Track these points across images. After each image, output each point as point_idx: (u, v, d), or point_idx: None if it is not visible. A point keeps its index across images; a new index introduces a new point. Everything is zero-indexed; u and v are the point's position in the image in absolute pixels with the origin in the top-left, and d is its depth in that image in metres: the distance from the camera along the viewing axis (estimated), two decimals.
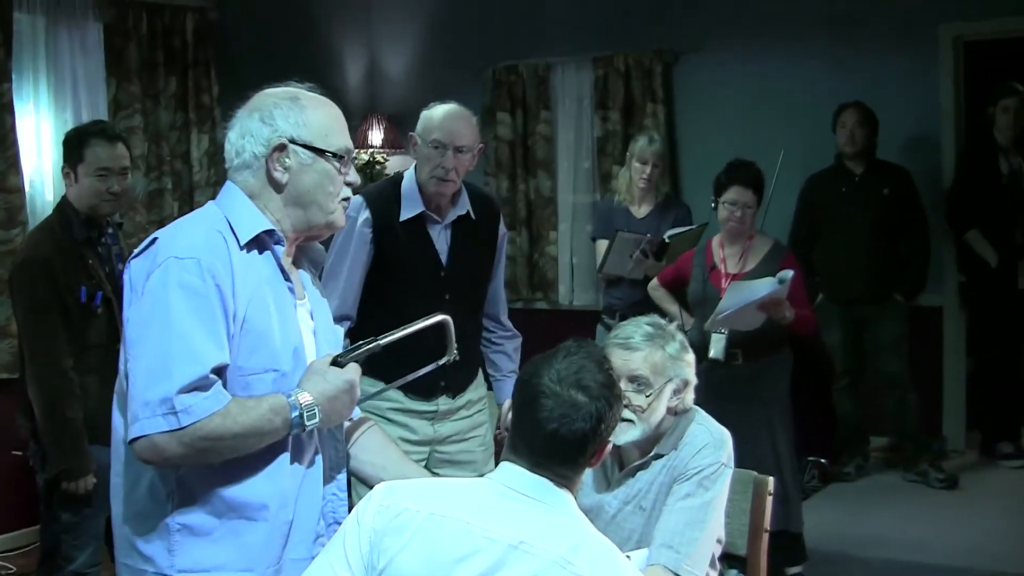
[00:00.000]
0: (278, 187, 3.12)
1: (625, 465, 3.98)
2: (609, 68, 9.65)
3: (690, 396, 3.95)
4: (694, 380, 3.97)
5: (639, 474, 3.93)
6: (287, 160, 3.10)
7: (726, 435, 3.94)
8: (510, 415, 2.88)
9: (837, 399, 8.36)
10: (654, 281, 7.01)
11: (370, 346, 3.18)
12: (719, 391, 5.80)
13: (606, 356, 2.92)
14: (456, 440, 5.17)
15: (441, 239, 5.02)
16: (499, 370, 5.42)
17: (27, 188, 7.70)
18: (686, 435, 3.90)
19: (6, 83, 7.47)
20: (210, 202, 3.19)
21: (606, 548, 2.71)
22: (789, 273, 5.85)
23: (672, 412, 3.91)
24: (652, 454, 3.91)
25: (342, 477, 3.34)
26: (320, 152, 3.14)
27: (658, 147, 7.59)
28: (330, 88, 3.32)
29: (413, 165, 5.04)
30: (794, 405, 6.39)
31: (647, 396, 3.81)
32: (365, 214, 4.92)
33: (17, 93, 7.65)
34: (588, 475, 3.99)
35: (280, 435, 2.98)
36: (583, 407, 2.73)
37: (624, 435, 3.79)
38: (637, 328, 3.91)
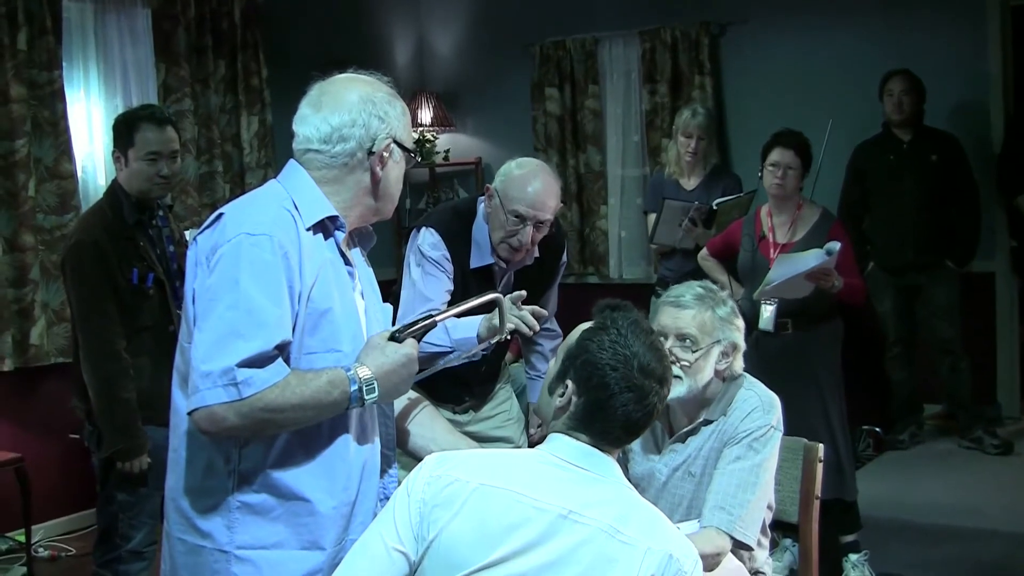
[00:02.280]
0: (374, 180, 3.15)
1: (675, 432, 4.01)
2: (656, 41, 9.62)
3: (739, 362, 3.98)
4: (743, 345, 4.00)
5: (689, 440, 3.96)
6: (386, 156, 3.14)
7: (775, 399, 3.97)
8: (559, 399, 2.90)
9: (890, 367, 8.34)
10: (703, 251, 6.98)
11: (426, 322, 3.19)
12: (770, 361, 5.88)
13: (650, 326, 2.97)
14: (482, 419, 5.16)
15: (503, 281, 4.87)
16: (535, 369, 5.40)
17: (79, 174, 7.79)
18: (735, 400, 3.93)
19: (57, 70, 7.56)
20: (273, 180, 3.20)
21: (653, 515, 2.76)
22: (836, 245, 5.81)
23: (720, 377, 3.95)
24: (701, 420, 3.95)
25: (393, 456, 3.36)
26: (406, 151, 3.21)
27: (701, 120, 7.61)
28: (379, 68, 3.32)
29: (484, 208, 4.80)
30: (846, 374, 6.37)
31: (694, 352, 3.85)
32: (446, 252, 4.74)
33: (68, 80, 7.74)
34: (637, 442, 4.04)
35: (339, 409, 2.98)
36: (658, 392, 2.86)
37: (671, 391, 3.79)
38: (688, 288, 3.97)
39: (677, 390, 3.81)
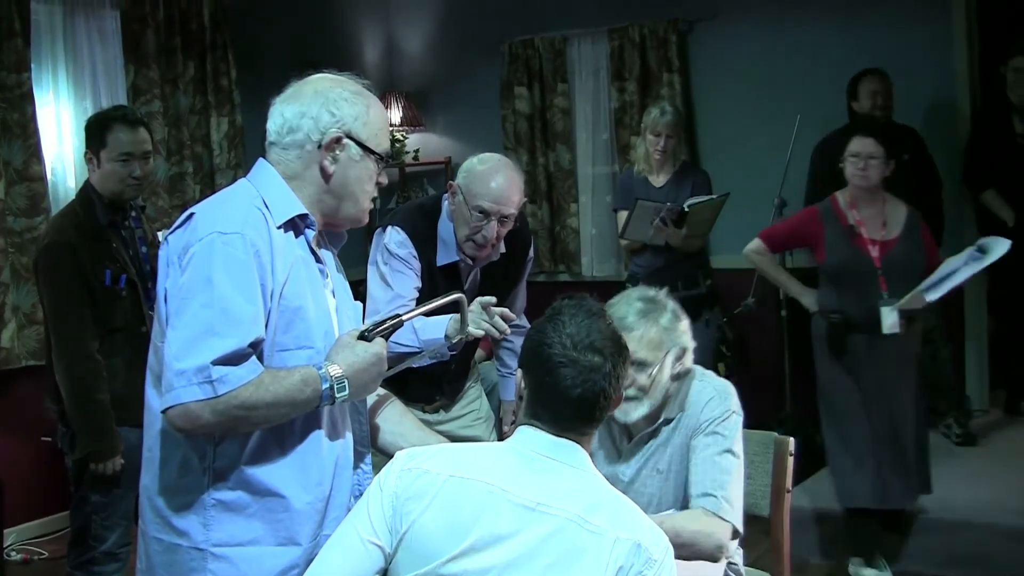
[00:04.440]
0: (324, 175, 3.16)
1: (634, 436, 4.04)
2: (624, 39, 9.64)
3: (690, 359, 3.99)
4: (691, 344, 3.98)
5: (651, 441, 4.01)
6: (339, 152, 3.15)
7: (729, 386, 4.02)
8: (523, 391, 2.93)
9: None
10: (757, 244, 6.54)
11: (394, 321, 3.21)
12: (886, 364, 6.02)
13: (603, 308, 2.99)
14: (452, 419, 5.18)
15: (470, 278, 4.91)
16: (506, 367, 5.43)
17: (49, 176, 7.78)
18: (690, 394, 3.98)
19: (25, 72, 7.54)
20: (243, 180, 3.22)
21: (622, 504, 2.81)
22: (1004, 244, 5.77)
23: (675, 378, 3.96)
24: (661, 420, 3.98)
25: (366, 451, 3.38)
26: (369, 151, 3.19)
27: (670, 118, 7.62)
28: (348, 67, 3.35)
29: (448, 205, 4.82)
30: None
31: (649, 374, 3.85)
32: (413, 250, 4.76)
33: (37, 82, 7.72)
34: (596, 445, 4.07)
35: (311, 406, 3.01)
36: (600, 367, 2.82)
37: (634, 412, 3.88)
38: (628, 306, 3.91)
39: (640, 411, 3.88)
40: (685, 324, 3.99)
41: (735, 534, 3.82)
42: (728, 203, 7.60)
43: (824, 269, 6.31)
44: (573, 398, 2.81)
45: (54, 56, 8.00)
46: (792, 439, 4.33)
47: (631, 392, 3.81)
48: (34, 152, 7.57)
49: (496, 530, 2.70)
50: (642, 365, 3.83)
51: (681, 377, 3.98)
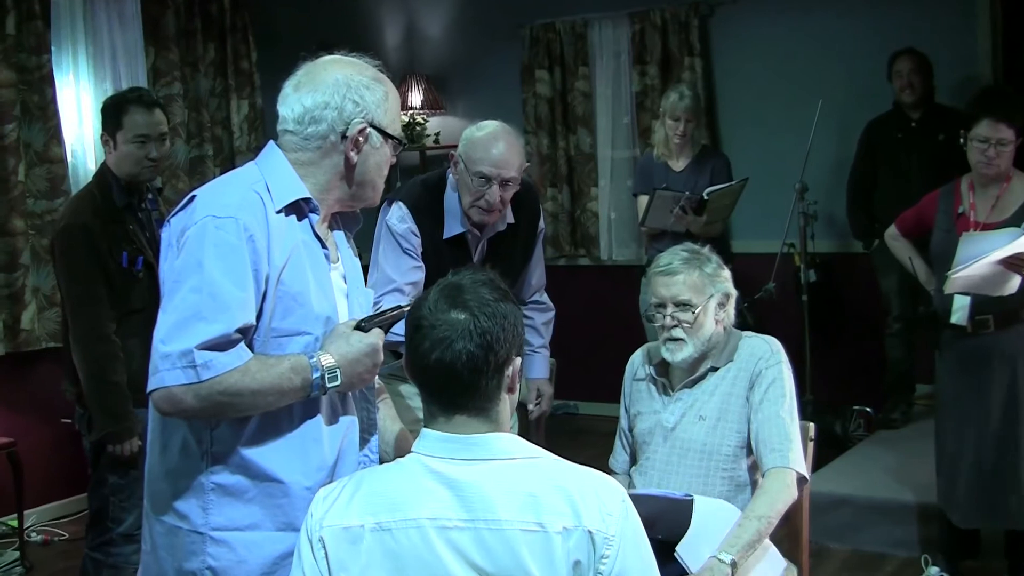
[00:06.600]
0: (347, 165, 3.13)
1: (675, 386, 4.20)
2: (645, 23, 9.61)
3: (732, 309, 4.17)
4: (734, 292, 4.19)
5: (696, 386, 4.16)
6: (362, 142, 3.12)
7: (774, 339, 4.20)
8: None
9: (889, 345, 8.24)
10: (892, 229, 6.18)
11: (394, 312, 3.19)
12: (961, 365, 5.64)
13: (494, 277, 2.73)
14: None
15: (479, 250, 4.91)
16: (528, 344, 5.32)
17: (69, 158, 7.82)
18: (739, 348, 4.16)
19: (46, 55, 7.58)
20: (251, 162, 3.20)
21: (562, 482, 2.57)
22: None
23: (721, 326, 4.15)
24: (708, 367, 4.14)
25: (374, 440, 3.36)
26: (388, 137, 3.18)
27: (688, 102, 7.61)
28: (369, 51, 3.31)
29: (452, 176, 4.84)
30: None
31: (693, 313, 4.04)
32: (413, 226, 4.76)
33: (57, 65, 7.77)
34: (644, 403, 4.28)
35: (299, 396, 2.98)
36: (461, 325, 2.56)
37: (680, 353, 4.09)
38: (674, 255, 4.14)
39: (685, 351, 4.08)
40: (726, 274, 4.18)
41: (801, 480, 3.99)
42: (749, 188, 7.57)
43: (931, 254, 5.89)
44: (431, 363, 2.56)
45: (74, 38, 8.02)
46: (812, 424, 4.32)
47: (677, 333, 4.07)
48: (54, 134, 7.61)
49: (443, 564, 2.50)
50: (686, 305, 4.05)
51: (727, 329, 4.18)
